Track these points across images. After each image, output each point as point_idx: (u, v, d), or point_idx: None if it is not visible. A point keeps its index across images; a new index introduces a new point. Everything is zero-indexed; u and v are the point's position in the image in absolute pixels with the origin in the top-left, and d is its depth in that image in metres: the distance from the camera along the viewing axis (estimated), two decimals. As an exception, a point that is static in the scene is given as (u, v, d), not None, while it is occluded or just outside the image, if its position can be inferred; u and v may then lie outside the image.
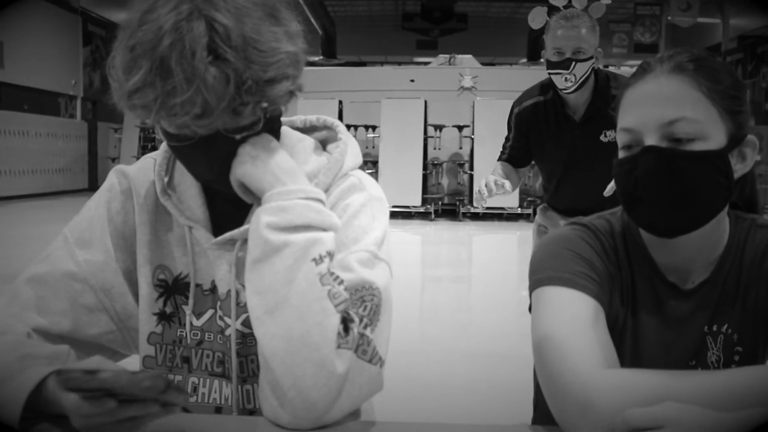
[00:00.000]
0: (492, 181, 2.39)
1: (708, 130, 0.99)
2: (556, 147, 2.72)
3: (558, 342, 0.95)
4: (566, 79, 2.56)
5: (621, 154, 1.05)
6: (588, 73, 2.59)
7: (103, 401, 0.81)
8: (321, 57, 19.60)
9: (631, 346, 1.08)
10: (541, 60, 2.71)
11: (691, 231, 1.02)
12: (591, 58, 2.57)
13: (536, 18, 2.68)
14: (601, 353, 0.94)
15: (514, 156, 2.82)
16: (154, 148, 1.16)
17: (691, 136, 0.99)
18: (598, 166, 2.62)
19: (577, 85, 2.57)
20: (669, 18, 16.99)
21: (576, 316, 0.99)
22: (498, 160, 2.85)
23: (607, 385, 0.89)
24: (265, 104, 0.98)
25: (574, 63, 2.55)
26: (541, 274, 1.05)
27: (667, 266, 1.09)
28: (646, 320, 1.08)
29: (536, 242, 2.89)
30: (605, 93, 2.64)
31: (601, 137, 2.65)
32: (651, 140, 1.00)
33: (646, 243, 1.10)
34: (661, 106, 0.99)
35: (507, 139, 2.85)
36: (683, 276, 1.09)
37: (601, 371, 0.91)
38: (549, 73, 2.62)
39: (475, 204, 2.51)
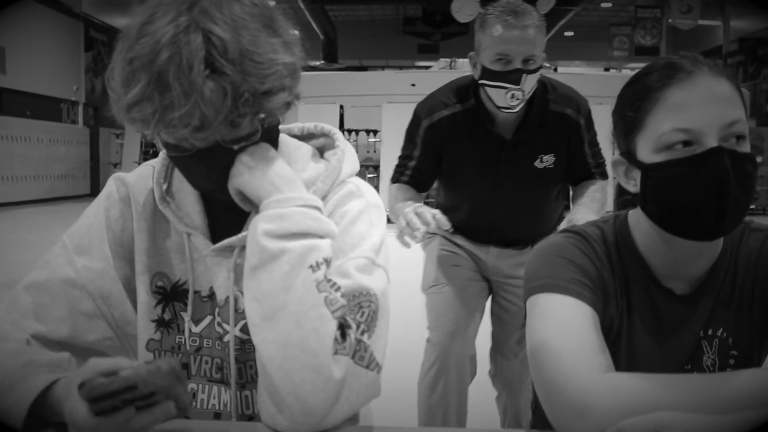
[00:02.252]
0: (427, 211, 1.79)
1: (746, 132, 1.01)
2: (479, 171, 2.13)
3: (554, 347, 0.96)
4: (513, 96, 1.93)
5: (664, 157, 1.00)
6: (535, 87, 1.98)
7: (115, 416, 0.82)
8: (322, 61, 19.62)
9: (626, 351, 1.09)
10: (474, 65, 2.04)
11: (728, 233, 1.03)
12: (540, 68, 1.96)
13: (463, 8, 2.04)
14: (596, 358, 0.95)
15: (418, 179, 2.16)
16: (156, 154, 1.17)
17: (744, 137, 0.99)
18: (528, 196, 2.19)
19: (523, 102, 1.96)
20: (670, 21, 17.02)
21: (571, 321, 0.99)
22: (394, 183, 2.19)
23: (604, 389, 0.89)
24: (262, 115, 0.99)
25: (524, 75, 1.91)
26: (535, 282, 1.06)
27: (664, 272, 1.09)
28: (641, 325, 1.09)
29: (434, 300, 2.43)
30: (543, 107, 2.06)
31: (536, 163, 2.10)
32: (712, 141, 0.97)
33: (641, 250, 1.10)
34: (721, 107, 0.98)
35: (408, 157, 2.17)
36: (679, 281, 1.09)
37: (597, 375, 0.92)
38: (486, 85, 1.98)
39: (407, 240, 1.81)
